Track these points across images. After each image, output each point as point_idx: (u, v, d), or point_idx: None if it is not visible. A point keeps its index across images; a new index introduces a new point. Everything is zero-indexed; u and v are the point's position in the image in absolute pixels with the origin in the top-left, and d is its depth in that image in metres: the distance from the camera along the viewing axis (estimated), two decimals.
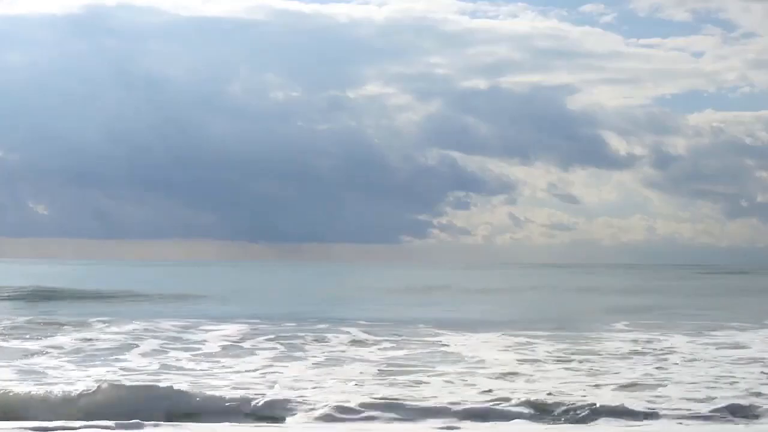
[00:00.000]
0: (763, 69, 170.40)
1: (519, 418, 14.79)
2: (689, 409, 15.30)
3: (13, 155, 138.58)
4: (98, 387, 15.04)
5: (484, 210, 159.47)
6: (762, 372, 20.22)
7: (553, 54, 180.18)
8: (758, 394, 17.10)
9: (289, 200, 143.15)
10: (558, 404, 15.58)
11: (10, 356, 22.01)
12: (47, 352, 22.81)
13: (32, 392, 15.15)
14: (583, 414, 14.89)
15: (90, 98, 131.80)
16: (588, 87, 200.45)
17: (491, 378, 19.04)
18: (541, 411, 15.09)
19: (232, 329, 29.71)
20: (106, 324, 30.68)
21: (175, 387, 15.97)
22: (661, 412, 15.07)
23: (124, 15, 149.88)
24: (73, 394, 15.00)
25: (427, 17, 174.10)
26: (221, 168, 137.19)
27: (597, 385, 18.08)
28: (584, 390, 17.54)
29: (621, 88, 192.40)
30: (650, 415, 14.98)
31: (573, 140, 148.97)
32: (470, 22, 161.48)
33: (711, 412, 15.06)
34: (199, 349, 24.15)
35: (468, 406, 15.37)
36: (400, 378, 18.99)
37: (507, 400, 16.00)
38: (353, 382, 18.25)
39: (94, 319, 32.27)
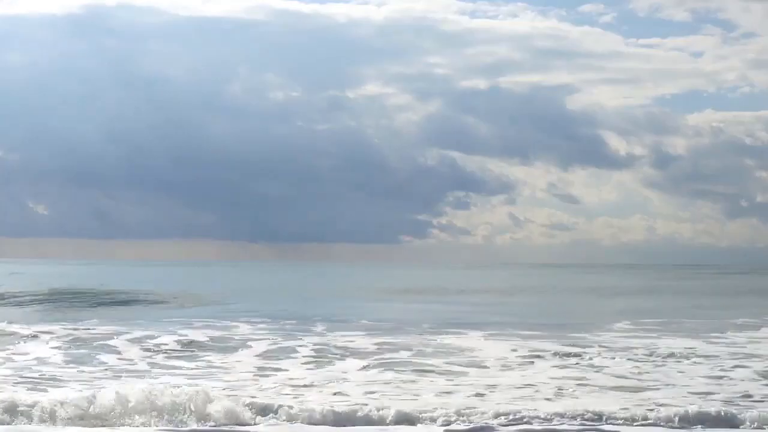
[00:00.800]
0: (763, 69, 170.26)
1: (512, 420, 14.77)
2: (680, 413, 15.24)
3: (13, 155, 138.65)
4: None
5: (484, 210, 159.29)
6: (755, 372, 20.23)
7: (552, 54, 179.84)
8: (750, 397, 17.12)
9: (289, 200, 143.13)
10: (550, 406, 15.61)
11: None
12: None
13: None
14: (572, 417, 14.85)
15: (90, 98, 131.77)
16: (588, 87, 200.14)
17: (487, 378, 19.03)
18: (533, 413, 15.04)
19: (237, 330, 29.75)
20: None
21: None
22: (651, 415, 15.03)
23: (124, 15, 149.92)
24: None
25: (426, 17, 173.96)
26: (221, 168, 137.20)
27: (588, 386, 18.08)
28: (575, 391, 17.54)
29: (621, 88, 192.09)
30: (639, 418, 14.94)
31: (573, 140, 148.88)
32: (470, 22, 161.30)
33: (700, 416, 14.97)
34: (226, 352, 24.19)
35: (462, 407, 15.39)
36: (401, 379, 18.98)
37: (500, 402, 16.04)
38: (352, 383, 18.26)
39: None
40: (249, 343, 25.63)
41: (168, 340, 26.01)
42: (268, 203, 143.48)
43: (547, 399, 16.60)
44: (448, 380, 18.89)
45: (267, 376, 19.43)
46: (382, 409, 15.00)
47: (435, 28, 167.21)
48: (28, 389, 17.05)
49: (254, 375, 19.58)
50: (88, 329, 29.25)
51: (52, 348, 23.85)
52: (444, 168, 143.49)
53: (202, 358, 22.23)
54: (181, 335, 27.47)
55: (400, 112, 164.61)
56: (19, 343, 25.25)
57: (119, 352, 23.30)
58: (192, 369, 20.56)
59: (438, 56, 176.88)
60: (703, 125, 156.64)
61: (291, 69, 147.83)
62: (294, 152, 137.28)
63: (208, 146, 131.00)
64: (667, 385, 18.40)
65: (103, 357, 22.39)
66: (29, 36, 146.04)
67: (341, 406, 15.37)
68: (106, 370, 20.25)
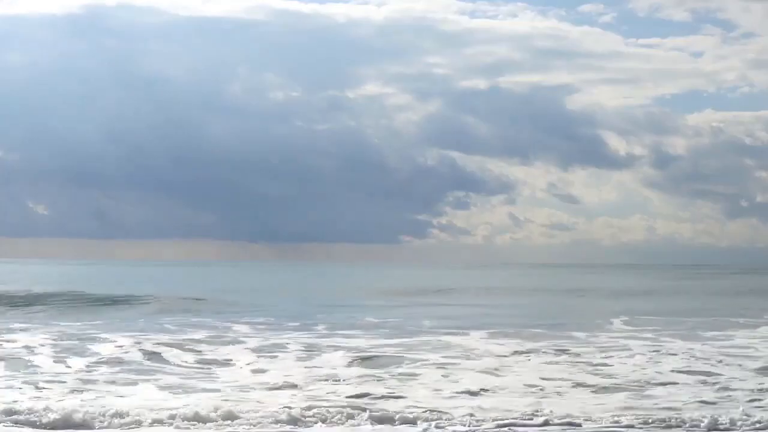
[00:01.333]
0: (762, 69, 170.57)
1: (506, 421, 14.75)
2: (675, 415, 15.25)
3: (13, 155, 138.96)
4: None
5: (483, 210, 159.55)
6: (754, 371, 20.21)
7: (552, 54, 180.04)
8: (748, 397, 17.09)
9: (289, 200, 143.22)
10: (546, 406, 15.61)
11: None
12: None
13: None
14: (566, 417, 14.83)
15: (90, 98, 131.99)
16: (588, 87, 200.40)
17: (482, 378, 19.02)
18: (528, 414, 15.03)
19: (235, 330, 29.80)
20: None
21: None
22: (645, 417, 15.02)
23: (124, 15, 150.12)
24: None
25: (426, 17, 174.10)
26: (221, 168, 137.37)
27: (584, 387, 18.05)
28: (571, 392, 17.53)
29: (621, 88, 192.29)
30: (632, 419, 14.92)
31: (573, 140, 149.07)
32: (469, 22, 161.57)
33: (695, 418, 14.92)
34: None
35: (457, 408, 15.40)
36: (396, 378, 18.97)
37: (496, 402, 16.05)
38: (350, 383, 18.26)
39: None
40: (246, 342, 25.63)
41: (163, 339, 26.00)
42: (268, 203, 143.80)
43: (543, 399, 16.57)
44: (443, 379, 18.88)
45: (263, 375, 19.42)
46: (380, 410, 15.02)
47: (435, 28, 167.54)
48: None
49: (250, 375, 19.56)
50: (85, 330, 29.30)
51: (53, 347, 23.84)
52: (444, 168, 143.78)
53: (194, 358, 22.21)
54: (177, 335, 27.49)
55: (399, 112, 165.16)
56: (25, 347, 25.24)
57: (113, 352, 23.26)
58: (181, 369, 20.54)
59: (438, 56, 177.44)
60: (703, 125, 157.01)
61: (291, 69, 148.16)
62: (294, 152, 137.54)
63: (208, 146, 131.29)
64: (664, 383, 18.36)
65: (99, 356, 22.35)
66: (29, 36, 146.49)
67: (337, 406, 15.38)
68: (100, 367, 20.24)
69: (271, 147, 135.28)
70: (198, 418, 14.39)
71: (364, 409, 15.04)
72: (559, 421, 14.45)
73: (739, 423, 14.47)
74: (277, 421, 14.37)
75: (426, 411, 15.00)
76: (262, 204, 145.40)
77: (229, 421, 14.31)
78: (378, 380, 18.68)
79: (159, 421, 14.20)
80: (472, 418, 14.62)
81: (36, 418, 14.18)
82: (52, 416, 14.26)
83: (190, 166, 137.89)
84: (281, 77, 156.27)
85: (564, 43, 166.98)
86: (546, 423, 14.42)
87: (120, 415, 14.39)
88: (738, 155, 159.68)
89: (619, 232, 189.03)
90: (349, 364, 21.25)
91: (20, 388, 17.18)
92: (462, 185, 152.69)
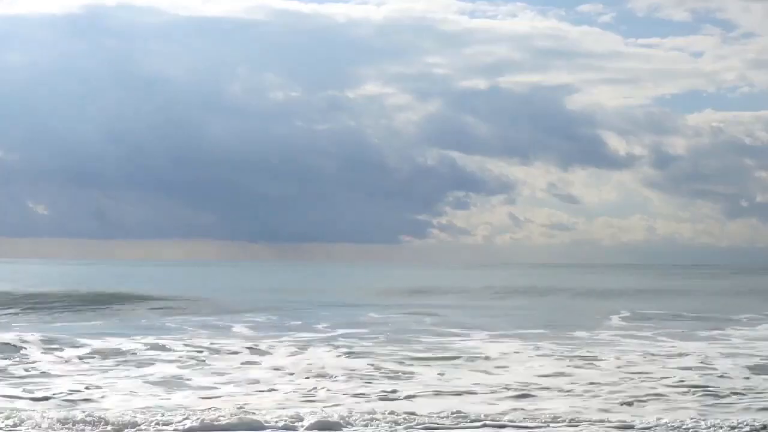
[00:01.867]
0: (762, 69, 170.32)
1: (499, 422, 14.80)
2: (666, 416, 15.29)
3: (13, 155, 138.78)
4: None
5: (483, 210, 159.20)
6: (750, 371, 20.24)
7: (552, 54, 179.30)
8: (743, 396, 17.12)
9: (289, 200, 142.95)
10: (541, 406, 15.63)
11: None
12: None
13: None
14: (557, 418, 14.87)
15: (90, 98, 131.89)
16: (587, 87, 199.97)
17: (477, 378, 19.07)
18: (520, 414, 15.06)
19: (233, 330, 29.82)
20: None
21: None
22: (632, 416, 15.05)
23: (123, 15, 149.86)
24: None
25: (426, 17, 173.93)
26: (221, 168, 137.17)
27: (582, 387, 18.08)
28: (565, 392, 17.55)
29: (620, 88, 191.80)
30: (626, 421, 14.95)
31: (572, 140, 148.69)
32: (469, 22, 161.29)
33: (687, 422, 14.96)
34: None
35: (451, 408, 15.44)
36: (398, 380, 19.01)
37: (491, 402, 16.07)
38: (348, 383, 18.30)
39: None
40: (246, 341, 25.64)
41: (163, 338, 26.01)
42: (268, 203, 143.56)
43: (542, 399, 16.59)
44: (441, 378, 18.89)
45: (262, 374, 19.46)
46: (377, 410, 15.06)
47: (434, 28, 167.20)
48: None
49: (249, 375, 19.59)
50: (84, 329, 29.33)
51: (53, 347, 23.87)
52: (444, 168, 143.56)
53: (194, 357, 22.25)
54: (177, 334, 27.51)
55: (399, 112, 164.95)
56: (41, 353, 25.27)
57: (112, 352, 23.29)
58: (182, 369, 20.57)
59: (438, 56, 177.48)
60: (702, 125, 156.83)
61: (291, 69, 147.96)
62: (294, 152, 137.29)
63: (208, 146, 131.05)
64: (662, 382, 18.38)
65: (99, 355, 22.39)
66: (29, 36, 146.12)
67: (335, 405, 15.41)
68: (99, 366, 20.28)
69: (271, 147, 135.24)
70: (198, 419, 14.44)
71: (362, 410, 15.08)
72: (557, 421, 14.48)
73: (736, 423, 14.51)
74: (275, 420, 14.41)
75: (423, 410, 15.04)
76: (262, 204, 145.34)
77: (228, 421, 14.36)
78: (376, 380, 18.71)
79: (158, 423, 14.22)
80: (470, 417, 14.66)
81: (35, 419, 14.21)
82: (48, 416, 14.30)
83: (190, 166, 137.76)
84: (281, 77, 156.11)
85: (564, 43, 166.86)
86: (544, 422, 14.46)
87: (120, 416, 14.42)
88: (738, 155, 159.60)
89: (619, 232, 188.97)
90: (348, 363, 21.27)
91: (18, 390, 17.21)
92: (462, 185, 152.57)
